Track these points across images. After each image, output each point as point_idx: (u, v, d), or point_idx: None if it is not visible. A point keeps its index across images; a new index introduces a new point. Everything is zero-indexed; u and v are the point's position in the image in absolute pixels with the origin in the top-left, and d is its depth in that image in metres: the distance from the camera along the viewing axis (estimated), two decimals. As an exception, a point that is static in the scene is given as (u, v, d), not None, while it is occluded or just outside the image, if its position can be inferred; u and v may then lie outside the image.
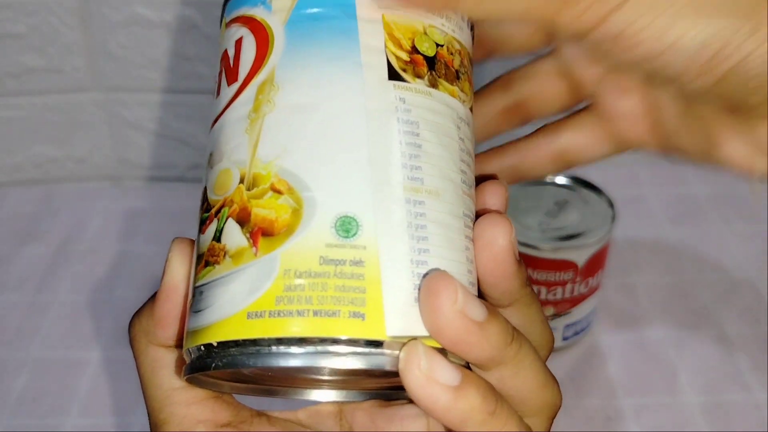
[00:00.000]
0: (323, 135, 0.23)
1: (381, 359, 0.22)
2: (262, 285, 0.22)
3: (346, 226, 0.22)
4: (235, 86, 0.24)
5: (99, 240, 0.64)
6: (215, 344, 0.22)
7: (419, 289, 0.22)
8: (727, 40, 0.24)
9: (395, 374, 0.22)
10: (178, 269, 0.25)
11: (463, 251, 0.24)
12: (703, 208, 0.67)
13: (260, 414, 0.28)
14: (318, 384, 0.27)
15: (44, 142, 0.68)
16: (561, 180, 0.54)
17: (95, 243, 0.63)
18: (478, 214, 0.25)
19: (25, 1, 0.61)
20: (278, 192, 0.22)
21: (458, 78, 0.25)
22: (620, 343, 0.55)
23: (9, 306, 0.58)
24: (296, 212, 0.22)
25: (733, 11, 0.24)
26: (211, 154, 0.25)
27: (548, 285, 0.51)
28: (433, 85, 0.24)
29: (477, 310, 0.22)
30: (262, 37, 0.24)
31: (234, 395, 0.28)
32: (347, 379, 0.27)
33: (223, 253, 0.23)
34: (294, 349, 0.21)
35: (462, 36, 0.26)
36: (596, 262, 0.51)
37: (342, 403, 0.30)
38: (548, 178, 0.55)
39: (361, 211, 0.22)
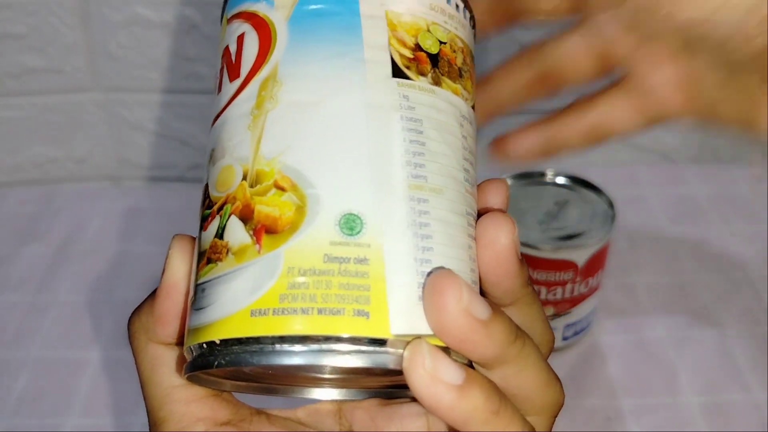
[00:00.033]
0: (327, 132, 0.23)
1: (385, 358, 0.21)
2: (266, 283, 0.22)
3: (351, 224, 0.22)
4: (238, 82, 0.24)
5: (99, 240, 0.64)
6: (218, 342, 0.22)
7: (423, 288, 0.22)
8: None
9: (397, 372, 0.22)
10: (179, 266, 0.25)
11: (466, 249, 0.24)
12: (703, 208, 0.67)
13: (260, 412, 0.28)
14: (318, 382, 0.27)
15: (44, 142, 0.68)
16: (561, 180, 0.54)
17: (95, 243, 0.63)
18: (480, 213, 0.25)
19: (25, 1, 0.61)
20: (282, 189, 0.22)
21: (461, 76, 0.25)
22: (620, 343, 0.55)
23: (9, 306, 0.58)
24: (300, 209, 0.22)
25: None
26: (212, 151, 0.25)
27: (548, 285, 0.51)
28: (437, 82, 0.24)
29: (481, 308, 0.22)
30: (265, 33, 0.24)
31: (234, 393, 0.28)
32: (348, 377, 0.27)
33: (225, 251, 0.23)
34: (298, 347, 0.21)
35: (464, 33, 0.26)
36: (596, 262, 0.51)
37: (342, 401, 0.30)
38: (548, 178, 0.55)
39: (365, 209, 0.22)
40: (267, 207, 0.22)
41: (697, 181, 0.70)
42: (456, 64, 0.25)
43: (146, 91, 0.66)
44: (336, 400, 0.29)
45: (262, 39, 0.24)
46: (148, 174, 0.71)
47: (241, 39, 0.25)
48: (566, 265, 0.50)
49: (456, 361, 0.22)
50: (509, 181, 0.54)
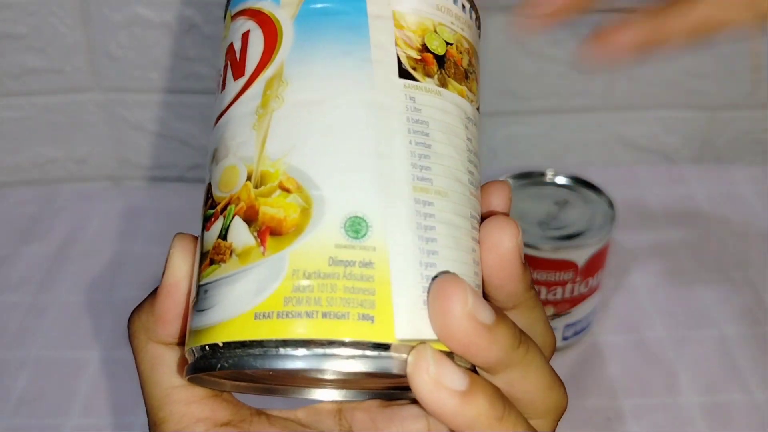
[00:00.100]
0: (332, 133, 0.22)
1: (389, 362, 0.21)
2: (270, 285, 0.21)
3: (356, 227, 0.22)
4: (242, 81, 0.24)
5: (99, 240, 0.64)
6: (221, 344, 0.22)
7: (428, 292, 0.22)
8: None
9: (399, 375, 0.22)
10: (180, 265, 0.25)
11: (470, 253, 0.23)
12: (703, 208, 0.67)
13: (260, 413, 0.28)
14: (319, 383, 0.27)
15: (44, 142, 0.68)
16: (561, 180, 0.54)
17: (95, 243, 0.63)
18: (483, 215, 0.25)
19: (26, 2, 0.61)
20: (287, 190, 0.22)
21: (467, 77, 0.25)
22: (620, 343, 0.55)
23: (9, 306, 0.58)
24: (305, 211, 0.22)
25: None
26: (215, 150, 0.24)
27: (548, 285, 0.51)
28: (443, 84, 0.24)
29: (486, 313, 0.22)
30: (270, 31, 0.24)
31: (234, 394, 0.28)
32: (349, 379, 0.27)
33: (229, 252, 0.22)
34: (301, 351, 0.21)
35: (470, 34, 0.26)
36: (596, 262, 0.51)
37: (342, 402, 0.30)
38: (548, 178, 0.55)
39: (370, 212, 0.22)
40: (272, 208, 0.22)
41: (697, 181, 0.70)
42: (462, 66, 0.25)
43: (146, 91, 0.66)
44: (336, 401, 0.29)
45: (267, 37, 0.24)
46: (149, 174, 0.71)
47: (245, 36, 0.24)
48: (566, 265, 0.50)
49: (460, 366, 0.22)
50: (510, 182, 0.54)
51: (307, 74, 0.23)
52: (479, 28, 0.27)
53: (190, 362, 0.23)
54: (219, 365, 0.22)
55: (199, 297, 0.23)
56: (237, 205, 0.23)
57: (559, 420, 0.26)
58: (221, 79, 0.25)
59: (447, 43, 0.25)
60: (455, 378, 0.21)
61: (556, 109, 0.70)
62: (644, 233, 0.64)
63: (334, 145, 0.22)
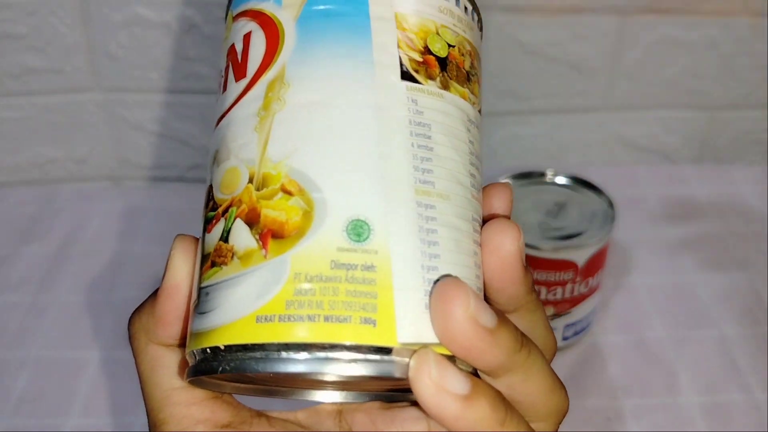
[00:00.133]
0: (334, 136, 0.22)
1: (391, 366, 0.21)
2: (272, 288, 0.21)
3: (358, 230, 0.21)
4: (244, 82, 0.24)
5: (99, 240, 0.64)
6: (222, 347, 0.22)
7: (430, 296, 0.22)
8: None
9: (401, 379, 0.22)
10: (181, 267, 0.25)
11: (472, 256, 0.23)
12: (704, 209, 0.67)
13: (260, 414, 0.28)
14: (320, 385, 0.27)
15: (44, 142, 0.68)
16: (561, 180, 0.54)
17: (95, 243, 0.63)
18: (484, 217, 0.25)
19: (25, 1, 0.61)
20: (289, 193, 0.22)
21: (468, 80, 0.25)
22: (620, 343, 0.55)
23: (9, 306, 0.58)
24: (307, 214, 0.22)
25: None
26: (216, 151, 0.24)
27: (548, 285, 0.51)
28: (445, 86, 0.24)
29: (488, 316, 0.22)
30: (272, 32, 0.24)
31: (234, 395, 0.28)
32: (350, 381, 0.27)
33: (231, 254, 0.22)
34: (303, 355, 0.21)
35: (472, 36, 0.26)
36: (596, 262, 0.51)
37: (342, 403, 0.30)
38: (548, 178, 0.55)
39: (372, 215, 0.22)
40: (274, 211, 0.22)
41: (697, 181, 0.70)
42: (464, 68, 0.25)
43: (146, 91, 0.66)
44: (336, 403, 0.29)
45: (269, 38, 0.24)
46: (149, 174, 0.71)
47: (247, 38, 0.24)
48: (566, 265, 0.50)
49: (462, 369, 0.22)
50: (510, 182, 0.54)
51: (309, 76, 0.23)
52: (481, 29, 0.27)
53: (191, 365, 0.23)
54: (220, 368, 0.22)
55: (200, 299, 0.23)
56: (238, 207, 0.22)
57: (560, 423, 0.26)
58: (222, 80, 0.25)
59: (449, 46, 0.24)
60: (457, 382, 0.21)
61: (556, 109, 0.70)
62: (644, 233, 0.64)
63: (336, 148, 0.22)
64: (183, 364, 0.26)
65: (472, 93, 0.25)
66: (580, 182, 0.54)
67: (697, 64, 0.68)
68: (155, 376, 0.26)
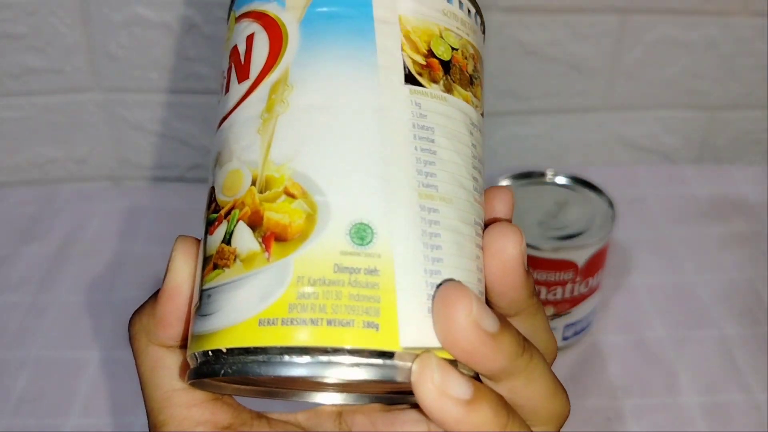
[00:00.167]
0: (338, 138, 0.22)
1: (393, 371, 0.21)
2: (275, 291, 0.21)
3: (361, 234, 0.21)
4: (247, 84, 0.24)
5: (99, 240, 0.64)
6: (224, 350, 0.22)
7: (433, 300, 0.22)
8: None
9: (403, 383, 0.22)
10: (182, 268, 0.25)
11: (474, 260, 0.23)
12: (703, 208, 0.67)
13: (260, 416, 0.28)
14: (320, 387, 0.27)
15: (44, 142, 0.68)
16: (561, 180, 0.54)
17: (95, 243, 0.63)
18: (486, 221, 0.25)
19: (25, 1, 0.61)
20: (292, 196, 0.22)
21: (471, 83, 0.25)
22: (620, 344, 0.55)
23: (9, 306, 0.58)
24: (310, 217, 0.21)
25: None
26: (219, 153, 0.24)
27: (548, 285, 0.51)
28: (448, 90, 0.24)
29: (490, 321, 0.22)
30: (276, 34, 0.24)
31: (234, 396, 0.28)
32: (351, 383, 0.27)
33: (233, 257, 0.22)
34: (306, 359, 0.21)
35: (476, 39, 0.26)
36: (596, 262, 0.51)
37: (343, 405, 0.30)
38: (548, 178, 0.55)
39: (375, 218, 0.22)
40: (277, 214, 0.22)
41: (697, 182, 0.70)
42: (467, 71, 0.25)
43: (146, 91, 0.66)
44: (337, 405, 0.29)
45: (272, 40, 0.24)
46: (149, 174, 0.71)
47: (250, 39, 0.24)
48: (566, 265, 0.50)
49: (464, 373, 0.22)
50: (509, 182, 0.54)
51: (313, 78, 0.23)
52: (484, 32, 0.27)
53: (192, 367, 0.23)
54: (222, 371, 0.22)
55: (202, 301, 0.23)
56: (241, 209, 0.22)
57: (561, 426, 0.26)
58: (225, 81, 0.25)
59: (453, 49, 0.24)
60: (460, 387, 0.21)
61: (556, 109, 0.70)
62: (644, 233, 0.64)
63: (340, 151, 0.22)
64: (184, 365, 0.26)
65: (475, 96, 0.25)
66: (581, 182, 0.54)
67: (697, 64, 0.68)
68: (156, 378, 0.26)
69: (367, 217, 0.22)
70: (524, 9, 0.64)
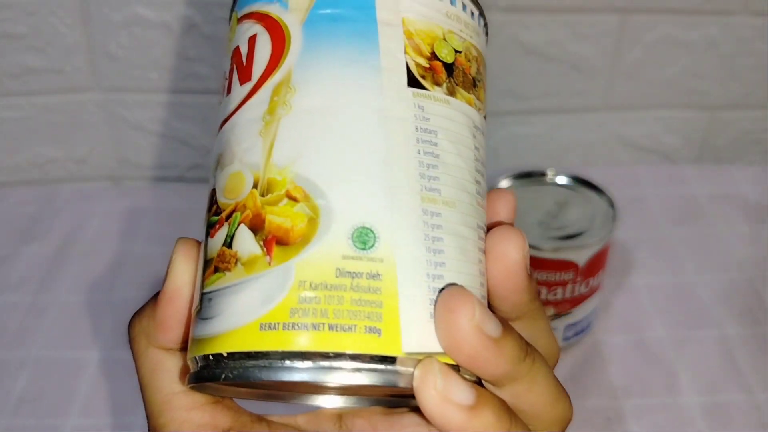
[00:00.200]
0: (340, 141, 0.22)
1: (395, 376, 0.21)
2: (276, 296, 0.21)
3: (363, 238, 0.21)
4: (249, 86, 0.24)
5: (99, 240, 0.64)
6: (225, 354, 0.22)
7: (435, 305, 0.22)
8: None
9: (405, 388, 0.21)
10: (183, 271, 0.25)
11: (477, 264, 0.23)
12: (704, 209, 0.67)
13: (260, 419, 0.28)
14: (321, 390, 0.27)
15: (44, 142, 0.68)
16: (562, 180, 0.54)
17: (95, 243, 0.63)
18: (488, 225, 0.25)
19: (25, 1, 0.61)
20: (294, 199, 0.22)
21: (474, 86, 0.25)
22: (621, 344, 0.55)
23: (9, 306, 0.58)
24: (312, 221, 0.21)
25: None
26: (220, 155, 0.24)
27: (549, 285, 0.51)
28: (451, 93, 0.24)
29: (493, 326, 0.22)
30: (278, 36, 0.24)
31: (234, 399, 0.28)
32: (352, 387, 0.27)
33: (234, 260, 0.22)
34: (307, 364, 0.21)
35: (479, 42, 0.26)
36: (597, 262, 0.51)
37: (343, 408, 0.29)
38: (549, 178, 0.55)
39: (378, 222, 0.21)
40: (278, 217, 0.22)
41: (698, 182, 0.70)
42: (470, 74, 0.25)
43: (146, 91, 0.66)
44: (337, 408, 0.29)
45: (275, 42, 0.23)
46: (149, 174, 0.71)
47: (252, 40, 0.24)
48: (567, 265, 0.50)
49: (466, 378, 0.22)
50: (509, 182, 0.54)
51: (316, 81, 0.23)
52: (487, 34, 0.27)
53: (192, 371, 0.23)
54: (223, 376, 0.22)
55: (202, 305, 0.23)
56: (243, 212, 0.22)
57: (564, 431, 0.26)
58: (227, 82, 0.25)
59: (456, 51, 0.24)
60: (462, 392, 0.21)
61: (556, 109, 0.70)
62: (645, 233, 0.64)
63: (342, 154, 0.22)
64: (184, 369, 0.26)
65: (478, 99, 0.25)
66: (581, 182, 0.54)
67: (697, 64, 0.68)
68: (155, 380, 0.26)
69: (370, 221, 0.21)
70: (524, 8, 0.64)
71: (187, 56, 0.64)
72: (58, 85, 0.65)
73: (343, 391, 0.27)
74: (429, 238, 0.22)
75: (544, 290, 0.51)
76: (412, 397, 0.22)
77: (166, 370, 0.26)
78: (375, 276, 0.21)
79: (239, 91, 0.24)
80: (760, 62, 0.69)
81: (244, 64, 0.24)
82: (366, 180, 0.22)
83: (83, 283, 0.60)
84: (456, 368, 0.22)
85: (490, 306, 0.24)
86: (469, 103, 0.24)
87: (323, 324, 0.21)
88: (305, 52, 0.23)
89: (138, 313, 0.27)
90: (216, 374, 0.22)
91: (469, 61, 0.25)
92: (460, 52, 0.24)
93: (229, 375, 0.21)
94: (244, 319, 0.21)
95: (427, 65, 0.23)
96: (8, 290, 0.59)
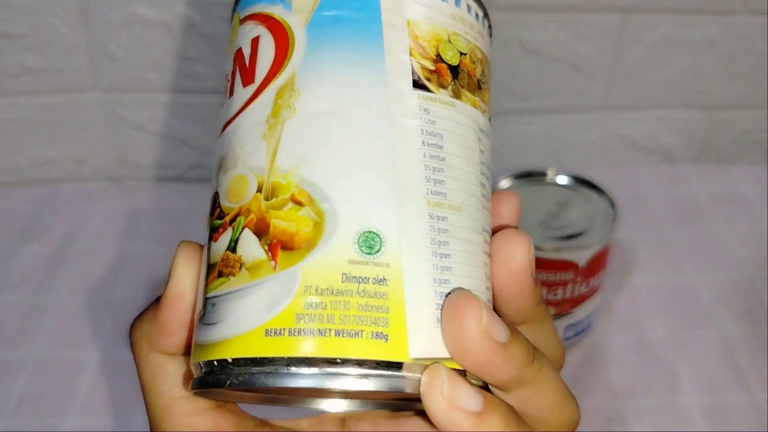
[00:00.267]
0: (345, 145, 0.22)
1: (402, 382, 0.21)
2: (282, 301, 0.21)
3: (370, 242, 0.21)
4: (252, 88, 0.23)
5: (99, 240, 0.64)
6: (230, 360, 0.21)
7: (442, 310, 0.21)
8: None
9: (412, 393, 0.21)
10: (185, 274, 0.24)
11: (483, 268, 0.23)
12: (704, 209, 0.67)
13: (263, 423, 0.28)
14: (326, 395, 0.27)
15: (44, 142, 0.68)
16: (562, 180, 0.54)
17: (95, 243, 0.63)
18: (493, 228, 0.25)
19: (25, 1, 0.61)
20: (299, 203, 0.21)
21: (479, 88, 0.25)
22: (621, 344, 0.55)
23: (9, 306, 0.58)
24: (318, 225, 0.21)
25: None
26: (223, 158, 0.24)
27: (549, 285, 0.51)
28: (457, 95, 0.24)
29: (500, 330, 0.22)
30: (282, 37, 0.23)
31: (237, 403, 0.28)
32: (358, 392, 0.26)
33: (238, 265, 0.22)
34: (314, 370, 0.20)
35: (483, 44, 0.26)
36: (597, 263, 0.51)
37: (347, 412, 0.29)
38: (549, 178, 0.55)
39: (384, 227, 0.21)
40: (283, 222, 0.21)
41: (698, 182, 0.70)
42: (475, 76, 0.24)
43: (146, 91, 0.66)
44: (342, 412, 0.29)
45: (278, 44, 0.23)
46: (148, 174, 0.71)
47: (255, 42, 0.24)
48: (567, 265, 0.50)
49: (473, 384, 0.22)
50: (510, 182, 0.54)
51: (320, 84, 0.22)
52: (491, 36, 0.27)
53: (196, 377, 0.23)
54: (228, 382, 0.21)
55: (206, 310, 0.23)
56: (247, 216, 0.22)
57: None
58: (229, 84, 0.25)
59: (461, 54, 0.24)
60: (469, 398, 0.21)
61: (556, 109, 0.70)
62: (645, 233, 0.64)
63: (347, 158, 0.22)
64: (187, 374, 0.26)
65: (483, 101, 0.25)
66: (582, 182, 0.54)
67: (697, 63, 0.68)
68: (158, 385, 0.26)
69: (376, 225, 0.21)
70: (524, 8, 0.64)
71: (187, 56, 0.64)
72: (57, 85, 0.65)
73: (348, 395, 0.27)
74: (435, 243, 0.22)
75: (544, 290, 0.51)
76: (417, 400, 0.21)
77: (168, 374, 0.26)
78: (381, 281, 0.21)
79: (242, 93, 0.24)
80: (760, 62, 0.69)
81: (247, 66, 0.24)
82: (371, 184, 0.21)
83: (83, 283, 0.59)
84: (463, 373, 0.22)
85: (496, 310, 0.24)
86: (475, 106, 0.24)
87: (329, 330, 0.20)
88: (309, 54, 0.23)
89: (139, 317, 0.27)
90: (221, 380, 0.22)
91: (474, 63, 0.24)
92: (465, 54, 0.24)
93: (234, 381, 0.21)
94: (250, 324, 0.21)
95: (433, 68, 0.23)
96: (8, 290, 0.59)
